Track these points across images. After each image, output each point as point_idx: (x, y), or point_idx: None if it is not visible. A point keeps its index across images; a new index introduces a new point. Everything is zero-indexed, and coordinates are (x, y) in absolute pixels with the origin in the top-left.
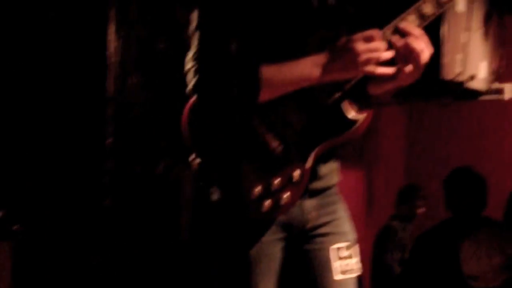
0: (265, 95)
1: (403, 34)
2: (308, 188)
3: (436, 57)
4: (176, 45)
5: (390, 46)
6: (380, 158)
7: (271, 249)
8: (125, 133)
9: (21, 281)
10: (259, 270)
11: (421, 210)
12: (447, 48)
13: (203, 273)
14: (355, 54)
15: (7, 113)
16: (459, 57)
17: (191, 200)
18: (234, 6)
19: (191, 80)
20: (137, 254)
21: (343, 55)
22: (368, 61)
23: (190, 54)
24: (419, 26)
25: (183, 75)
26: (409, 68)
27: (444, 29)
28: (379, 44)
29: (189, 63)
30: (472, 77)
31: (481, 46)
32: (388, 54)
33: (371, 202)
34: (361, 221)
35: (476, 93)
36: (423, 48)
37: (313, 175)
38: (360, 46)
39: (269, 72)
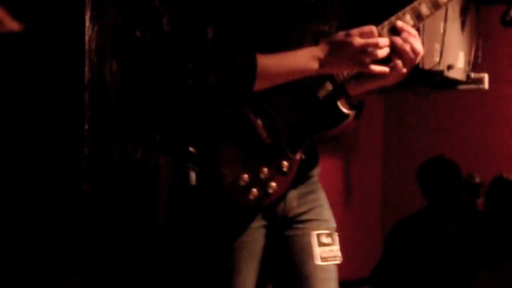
0: (260, 84)
1: (399, 33)
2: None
3: None
4: (152, 33)
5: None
6: (358, 147)
7: (254, 236)
8: (102, 119)
9: None
10: (242, 255)
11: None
12: (425, 38)
13: (183, 258)
14: (353, 48)
15: None
16: (437, 46)
17: (168, 186)
18: None
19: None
20: (116, 239)
21: (341, 49)
22: (365, 57)
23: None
24: (414, 26)
25: (159, 61)
26: (403, 68)
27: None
28: (378, 40)
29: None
30: (450, 67)
31: (458, 36)
32: (384, 52)
33: (348, 190)
34: (339, 210)
35: (454, 83)
36: (420, 49)
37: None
38: (358, 40)
39: (265, 61)
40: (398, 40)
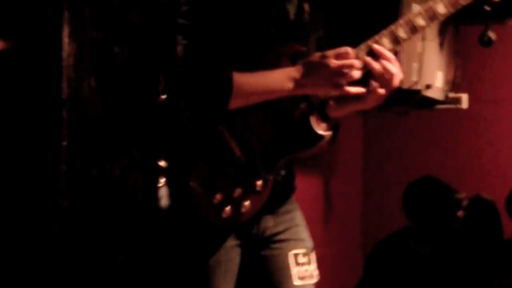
0: (235, 102)
1: (377, 56)
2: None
3: None
4: (131, 49)
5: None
6: (337, 166)
7: (230, 254)
8: (81, 136)
9: None
10: (218, 274)
11: None
12: (403, 57)
13: (158, 275)
14: (328, 71)
15: None
16: (415, 66)
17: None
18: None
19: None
20: (94, 255)
21: (316, 70)
22: (340, 79)
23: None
24: (391, 49)
25: (138, 78)
26: (381, 90)
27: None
28: (353, 62)
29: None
30: (428, 86)
31: (437, 56)
32: (359, 74)
33: (327, 209)
34: (318, 228)
35: (433, 102)
36: (397, 73)
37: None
38: (334, 62)
39: (241, 79)
40: (374, 63)
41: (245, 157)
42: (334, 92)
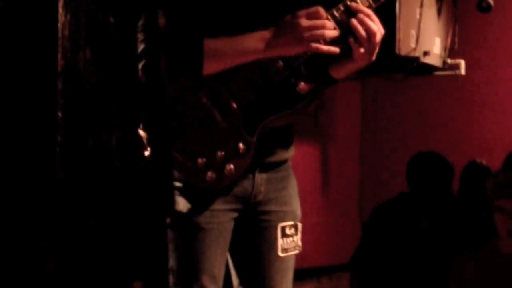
0: (210, 67)
1: (354, 13)
2: (260, 162)
3: (391, 33)
4: (126, 20)
5: (340, 25)
6: (335, 134)
7: (222, 218)
8: (76, 107)
9: None
10: (210, 237)
11: None
12: (401, 24)
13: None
14: (299, 29)
15: None
16: (413, 32)
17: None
18: None
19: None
20: (90, 227)
21: (287, 30)
22: (312, 38)
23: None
24: (369, 6)
25: (134, 47)
26: (363, 48)
27: (398, 5)
28: (324, 21)
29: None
30: (426, 53)
31: (434, 22)
32: (334, 33)
33: (326, 177)
34: (316, 196)
35: (431, 69)
36: (377, 28)
37: (265, 149)
38: (305, 22)
39: (214, 44)
40: (352, 21)
41: (225, 121)
42: (305, 50)
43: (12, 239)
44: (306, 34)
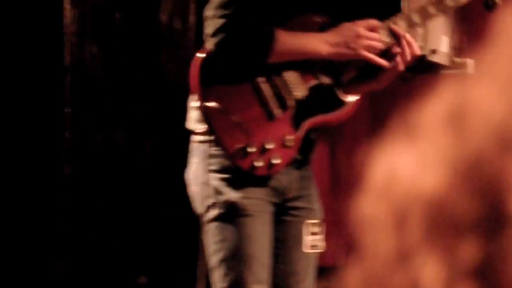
0: (275, 57)
1: (396, 36)
2: (296, 159)
3: None
4: (132, 15)
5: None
6: (344, 133)
7: (267, 208)
8: (84, 102)
9: None
10: (258, 224)
11: None
12: None
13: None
14: (359, 37)
15: None
16: (420, 31)
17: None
18: None
19: (207, 27)
20: (98, 223)
21: (348, 36)
22: (369, 47)
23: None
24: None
25: (139, 43)
26: (400, 66)
27: (405, 3)
28: (380, 35)
29: (209, 10)
30: (433, 51)
31: (442, 20)
32: (382, 47)
33: (334, 176)
34: (325, 195)
35: (438, 67)
36: (417, 53)
37: (302, 148)
38: (363, 32)
39: (283, 35)
40: (402, 41)
41: (279, 110)
42: (358, 57)
43: (20, 237)
44: (365, 43)
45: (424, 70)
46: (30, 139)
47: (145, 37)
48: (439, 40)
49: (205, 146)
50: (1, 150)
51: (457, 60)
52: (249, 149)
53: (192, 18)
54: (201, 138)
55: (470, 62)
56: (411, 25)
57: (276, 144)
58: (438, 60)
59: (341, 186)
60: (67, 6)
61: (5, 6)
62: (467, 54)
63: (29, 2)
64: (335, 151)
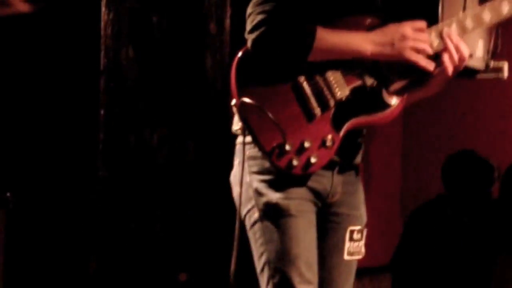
0: (315, 54)
1: (446, 40)
2: (339, 162)
3: None
4: (169, 18)
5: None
6: (376, 136)
7: (309, 208)
8: (118, 104)
9: (14, 249)
10: (302, 224)
11: None
12: None
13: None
14: (405, 38)
15: None
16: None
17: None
18: None
19: (247, 25)
20: (134, 223)
21: (394, 36)
22: (416, 49)
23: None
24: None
25: (175, 48)
26: (450, 71)
27: (441, 8)
28: (428, 37)
29: (249, 8)
30: (469, 56)
31: None
32: (430, 50)
33: (367, 177)
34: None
35: (473, 72)
36: (466, 58)
37: (345, 150)
38: (410, 32)
39: (324, 32)
40: (450, 45)
41: (320, 112)
42: (404, 59)
43: (57, 238)
44: (411, 44)
45: (459, 75)
46: (65, 140)
47: (183, 40)
48: (475, 44)
49: (245, 148)
50: (38, 152)
51: (494, 64)
52: (287, 147)
53: (227, 22)
54: (242, 140)
55: (505, 65)
56: (463, 29)
57: (314, 144)
58: (474, 65)
59: (374, 187)
60: (103, 8)
61: (43, 9)
62: (502, 57)
63: (67, 5)
64: (368, 153)
